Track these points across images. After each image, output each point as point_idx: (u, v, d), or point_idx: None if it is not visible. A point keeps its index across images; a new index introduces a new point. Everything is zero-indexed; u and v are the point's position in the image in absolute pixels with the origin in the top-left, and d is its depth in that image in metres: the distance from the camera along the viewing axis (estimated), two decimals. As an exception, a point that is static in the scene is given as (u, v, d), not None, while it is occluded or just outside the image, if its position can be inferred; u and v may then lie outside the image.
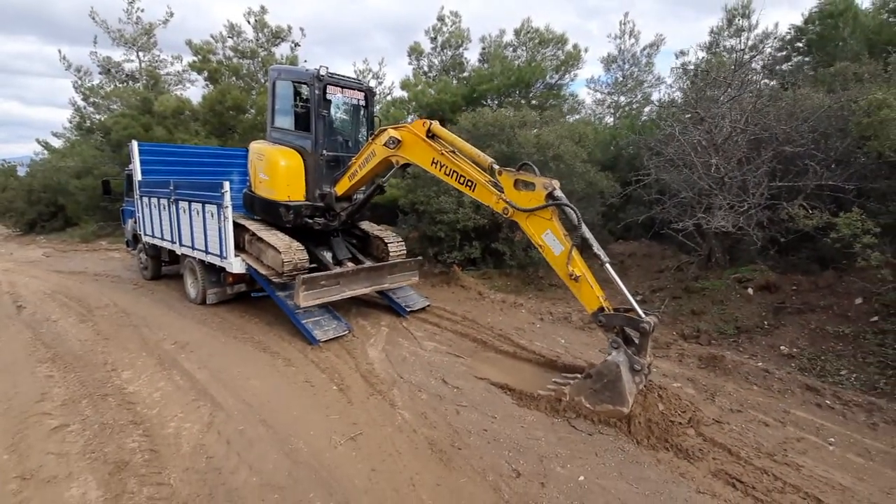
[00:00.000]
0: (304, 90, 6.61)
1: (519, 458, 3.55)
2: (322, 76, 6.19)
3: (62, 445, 3.68)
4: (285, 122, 6.90)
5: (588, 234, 4.30)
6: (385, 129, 5.73)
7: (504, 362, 5.52)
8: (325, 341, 5.86)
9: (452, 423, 4.07)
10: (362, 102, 6.88)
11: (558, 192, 4.35)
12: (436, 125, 5.33)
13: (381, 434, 3.89)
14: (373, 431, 3.93)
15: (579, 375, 4.45)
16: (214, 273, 7.48)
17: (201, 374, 5.01)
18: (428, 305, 7.40)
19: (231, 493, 3.14)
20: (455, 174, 5.07)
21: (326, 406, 4.35)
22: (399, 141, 5.51)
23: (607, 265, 4.23)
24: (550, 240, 4.38)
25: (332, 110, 6.69)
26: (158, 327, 6.59)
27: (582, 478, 3.33)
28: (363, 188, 6.76)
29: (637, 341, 4.11)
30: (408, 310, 7.09)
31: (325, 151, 6.49)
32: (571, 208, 4.28)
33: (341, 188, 6.52)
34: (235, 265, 6.66)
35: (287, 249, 6.10)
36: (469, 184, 4.98)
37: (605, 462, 3.51)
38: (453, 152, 5.16)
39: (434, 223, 9.01)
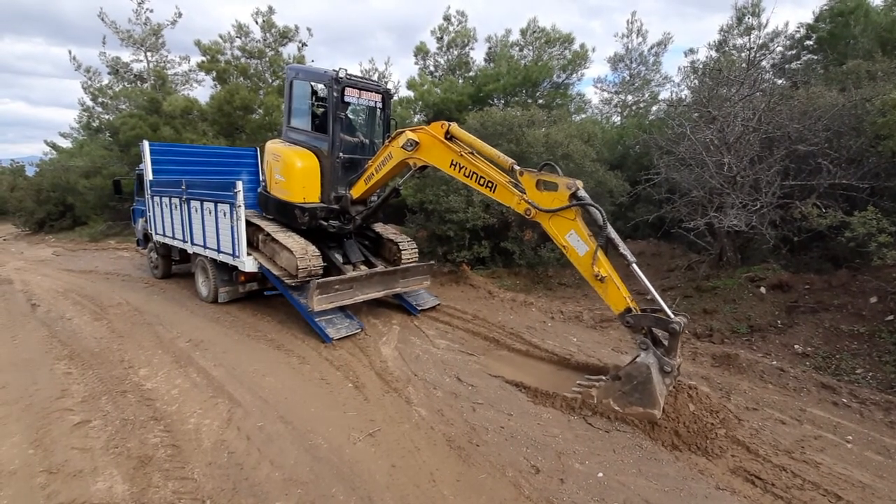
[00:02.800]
0: (322, 91, 6.58)
1: (537, 455, 3.58)
2: (341, 78, 6.12)
3: (85, 441, 3.74)
4: (302, 122, 6.88)
5: (614, 234, 4.22)
6: (402, 132, 5.66)
7: (517, 360, 5.54)
8: (338, 339, 5.90)
9: (469, 420, 4.09)
10: (379, 104, 6.81)
11: (582, 192, 4.27)
12: (454, 127, 5.26)
13: (399, 431, 3.92)
14: (390, 428, 3.96)
15: (604, 377, 4.39)
16: (226, 272, 7.53)
17: (217, 372, 5.05)
18: (438, 304, 7.43)
19: (254, 488, 3.18)
20: (475, 176, 5.02)
21: (343, 403, 4.39)
22: (417, 143, 5.45)
23: (634, 265, 4.15)
24: (574, 240, 4.31)
25: (349, 112, 6.64)
26: (172, 325, 6.65)
27: (601, 474, 3.35)
28: (378, 191, 6.71)
29: (666, 342, 4.01)
30: (419, 309, 7.11)
31: (341, 154, 6.45)
32: (596, 208, 4.20)
33: (357, 191, 6.46)
34: (248, 264, 6.71)
35: (303, 253, 6.08)
36: (489, 185, 4.91)
37: (624, 459, 3.53)
38: (472, 154, 5.09)
39: (443, 222, 9.03)
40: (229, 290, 7.63)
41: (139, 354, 5.56)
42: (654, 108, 14.81)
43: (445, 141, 5.25)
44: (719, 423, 3.86)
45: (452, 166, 5.20)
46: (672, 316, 3.97)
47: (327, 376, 4.95)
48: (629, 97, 16.91)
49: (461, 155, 5.10)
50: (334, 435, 3.83)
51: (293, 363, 5.32)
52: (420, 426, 3.99)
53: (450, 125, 5.27)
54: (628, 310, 4.12)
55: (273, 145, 7.04)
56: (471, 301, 7.85)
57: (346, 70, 6.19)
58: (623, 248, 4.21)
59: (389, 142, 5.90)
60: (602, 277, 4.16)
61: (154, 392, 4.59)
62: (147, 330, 6.46)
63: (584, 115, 15.91)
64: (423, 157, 5.51)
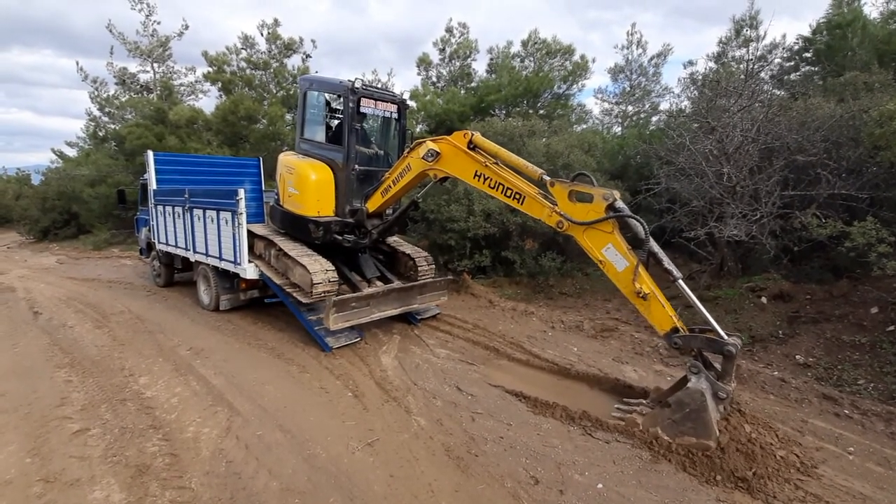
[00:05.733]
0: (336, 102, 6.47)
1: (536, 466, 3.56)
2: (357, 88, 5.93)
3: (84, 449, 3.73)
4: (316, 134, 6.74)
5: (656, 248, 3.92)
6: (423, 142, 5.43)
7: (517, 370, 5.53)
8: (338, 348, 5.90)
9: (468, 429, 4.07)
10: (395, 115, 6.62)
11: (620, 204, 3.97)
12: (477, 136, 5.02)
13: (398, 440, 3.91)
14: (389, 438, 3.94)
15: (644, 400, 4.21)
16: (228, 279, 7.56)
17: (217, 380, 5.05)
18: (438, 313, 7.42)
19: (252, 498, 3.17)
20: (501, 187, 4.75)
21: (342, 412, 4.38)
22: (438, 153, 5.21)
23: (680, 281, 3.86)
24: (612, 255, 4.01)
25: (368, 122, 6.47)
26: (173, 333, 6.66)
27: (600, 485, 3.33)
28: (395, 204, 6.51)
29: (719, 365, 3.74)
30: (418, 317, 7.10)
31: (356, 166, 6.25)
32: (637, 220, 3.88)
33: (373, 204, 6.24)
34: (249, 271, 6.73)
35: (319, 271, 5.88)
36: (517, 197, 4.66)
37: (624, 470, 3.50)
38: (497, 164, 4.87)
39: (444, 231, 9.07)
40: (231, 298, 7.66)
41: (140, 363, 5.57)
42: (655, 118, 14.90)
43: (468, 151, 5.02)
44: (779, 445, 3.61)
45: (476, 177, 4.96)
46: (725, 337, 3.67)
47: (327, 385, 4.95)
48: (629, 108, 17.01)
49: (485, 165, 4.86)
50: (333, 444, 3.82)
51: (293, 372, 5.31)
52: (419, 436, 3.98)
53: (473, 134, 5.04)
54: (675, 330, 3.82)
55: (286, 157, 6.84)
56: (471, 310, 7.85)
57: (361, 80, 6.01)
58: (667, 262, 3.89)
59: (408, 152, 5.69)
60: (644, 294, 3.86)
61: (154, 400, 4.59)
62: (148, 338, 6.48)
63: (585, 126, 16.02)
64: (445, 167, 5.28)
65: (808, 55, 11.31)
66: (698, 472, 3.44)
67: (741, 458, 3.45)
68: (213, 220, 7.22)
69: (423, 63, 16.88)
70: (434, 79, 17.12)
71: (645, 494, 3.24)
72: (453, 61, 16.76)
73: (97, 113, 19.56)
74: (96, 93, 19.15)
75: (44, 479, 3.35)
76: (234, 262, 6.87)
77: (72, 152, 22.68)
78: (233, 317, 7.44)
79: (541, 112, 15.05)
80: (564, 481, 3.37)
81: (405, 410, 4.41)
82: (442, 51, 16.68)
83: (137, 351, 5.96)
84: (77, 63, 18.98)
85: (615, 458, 3.64)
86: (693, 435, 3.62)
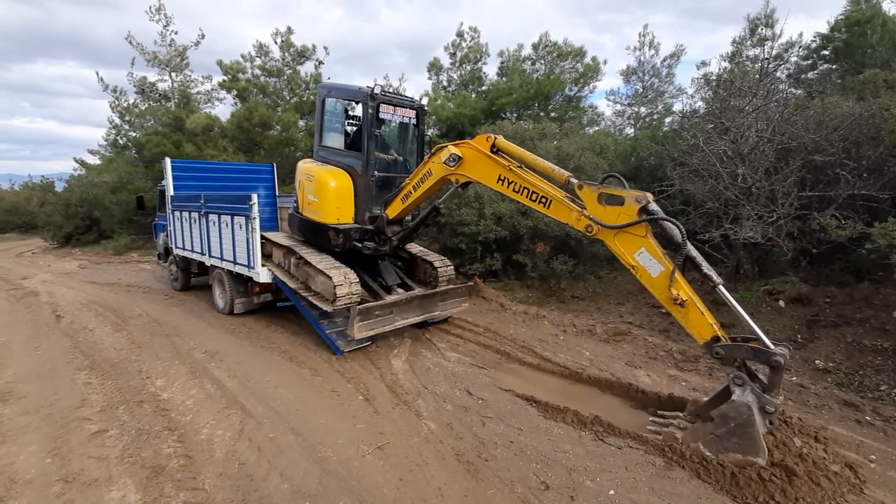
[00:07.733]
0: (354, 108, 6.52)
1: (547, 471, 3.53)
2: (376, 95, 5.89)
3: (102, 450, 3.82)
4: (335, 140, 6.74)
5: (694, 252, 3.75)
6: (444, 146, 5.29)
7: (528, 374, 5.50)
8: (349, 352, 5.94)
9: (478, 434, 4.06)
10: (413, 121, 6.59)
11: (653, 206, 3.82)
12: (500, 139, 4.90)
13: (408, 444, 3.91)
14: (399, 441, 3.95)
15: (680, 413, 4.08)
16: (242, 283, 7.69)
17: (231, 383, 5.13)
18: (449, 317, 7.42)
19: (263, 500, 3.20)
20: (526, 191, 4.60)
21: (353, 415, 4.40)
22: (460, 158, 5.09)
23: (720, 287, 3.67)
24: (646, 260, 3.84)
25: (384, 128, 6.47)
26: (189, 336, 6.79)
27: (612, 492, 3.28)
28: (415, 210, 6.40)
29: (765, 377, 3.55)
30: (430, 321, 7.11)
31: (376, 172, 6.21)
32: (672, 223, 3.72)
33: (393, 211, 6.10)
34: (262, 275, 6.83)
35: (342, 280, 5.79)
36: (543, 200, 4.49)
37: (636, 476, 3.45)
38: (521, 167, 4.75)
39: (455, 235, 9.09)
40: (245, 302, 7.78)
41: (156, 365, 5.68)
42: (668, 119, 14.71)
43: (492, 155, 4.88)
44: (833, 460, 3.42)
45: (500, 182, 4.82)
46: (771, 346, 3.47)
47: (338, 388, 4.99)
48: (642, 109, 16.85)
49: (509, 169, 4.71)
50: (343, 447, 3.84)
51: (305, 375, 5.37)
52: (429, 440, 3.98)
53: (496, 138, 4.92)
54: (716, 339, 3.63)
55: (305, 165, 6.80)
56: (483, 314, 7.83)
57: (380, 86, 6.02)
58: (706, 267, 3.74)
59: (429, 157, 5.56)
60: (682, 301, 3.67)
61: (169, 402, 4.68)
62: (165, 341, 6.61)
63: (597, 128, 15.90)
64: (467, 172, 5.14)
65: (825, 53, 11.07)
66: (712, 479, 3.37)
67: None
68: (227, 225, 7.36)
69: (435, 68, 16.99)
70: (445, 83, 17.21)
71: (658, 501, 3.19)
72: (464, 65, 16.83)
73: (118, 121, 20.11)
74: (117, 102, 19.68)
75: (63, 478, 3.44)
76: (248, 266, 6.98)
77: (94, 160, 23.33)
78: (247, 320, 7.55)
79: (552, 115, 15.01)
80: (575, 487, 3.34)
81: (415, 414, 4.42)
82: (453, 55, 16.77)
83: (154, 354, 6.09)
84: (97, 73, 19.57)
85: (627, 464, 3.59)
86: (739, 451, 3.42)
